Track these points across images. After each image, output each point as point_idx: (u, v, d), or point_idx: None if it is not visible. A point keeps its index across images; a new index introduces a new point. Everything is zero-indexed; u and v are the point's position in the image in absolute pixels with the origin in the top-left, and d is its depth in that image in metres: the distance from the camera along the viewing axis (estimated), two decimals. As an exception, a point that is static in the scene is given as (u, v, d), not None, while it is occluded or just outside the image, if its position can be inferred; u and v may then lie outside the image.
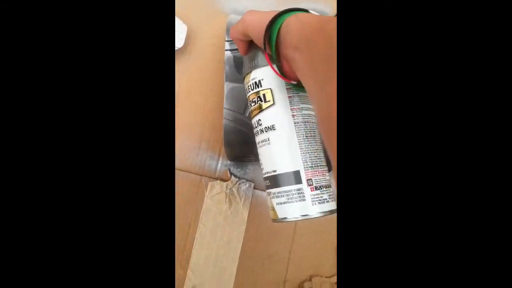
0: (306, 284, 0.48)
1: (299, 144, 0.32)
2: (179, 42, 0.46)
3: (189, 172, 0.47)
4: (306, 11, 0.29)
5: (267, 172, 0.34)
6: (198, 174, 0.47)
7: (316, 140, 0.33)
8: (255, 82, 0.34)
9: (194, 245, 0.46)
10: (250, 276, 0.47)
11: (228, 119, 0.42)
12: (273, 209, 0.33)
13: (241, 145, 0.44)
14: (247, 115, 0.42)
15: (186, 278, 0.45)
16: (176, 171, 0.47)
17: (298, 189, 0.31)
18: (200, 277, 0.45)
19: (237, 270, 0.46)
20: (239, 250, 0.46)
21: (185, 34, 0.46)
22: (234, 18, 0.44)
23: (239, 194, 0.47)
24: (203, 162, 0.48)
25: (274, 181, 0.33)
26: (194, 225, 0.46)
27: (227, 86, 0.42)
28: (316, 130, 0.34)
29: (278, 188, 0.32)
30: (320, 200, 0.32)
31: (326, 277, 0.49)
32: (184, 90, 0.48)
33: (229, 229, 0.46)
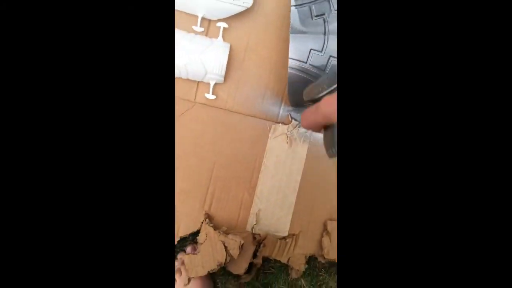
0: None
1: None
2: (248, 2, 0.52)
3: (255, 117, 0.55)
4: None
5: None
6: (263, 119, 0.55)
7: None
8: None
9: (259, 177, 0.54)
10: (308, 205, 0.54)
11: (292, 68, 0.49)
12: None
13: (303, 91, 0.50)
14: (309, 63, 0.48)
15: (253, 203, 0.54)
16: (244, 117, 0.55)
17: None
18: (265, 202, 0.54)
19: (296, 198, 0.54)
20: (299, 182, 0.54)
21: (254, -6, 0.52)
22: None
23: (298, 135, 0.54)
24: (267, 109, 0.55)
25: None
26: (260, 161, 0.54)
27: (292, 37, 0.48)
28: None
29: None
30: None
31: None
32: (252, 45, 0.55)
33: (290, 163, 0.54)
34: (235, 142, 0.55)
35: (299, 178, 0.54)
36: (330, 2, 0.48)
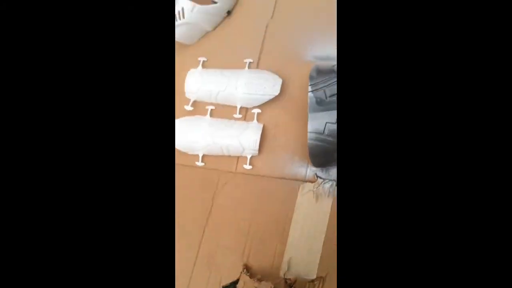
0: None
1: None
2: (276, 90, 0.68)
3: (285, 179, 0.67)
4: None
5: None
6: (292, 179, 0.67)
7: None
8: None
9: (290, 228, 0.64)
10: (332, 254, 0.63)
11: (311, 139, 0.61)
12: None
13: (323, 156, 0.62)
14: (326, 133, 0.60)
15: (285, 252, 0.63)
16: (276, 180, 0.67)
17: None
18: (295, 250, 0.63)
19: (322, 246, 0.62)
20: (324, 232, 0.63)
21: (280, 85, 0.68)
22: (315, 66, 0.64)
23: (323, 191, 0.65)
24: (295, 171, 0.67)
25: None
26: (290, 215, 0.65)
27: (310, 116, 0.62)
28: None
29: None
30: None
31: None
32: (280, 123, 0.70)
33: (316, 216, 0.64)
34: (269, 201, 0.66)
35: (324, 229, 0.63)
36: (339, 86, 0.61)
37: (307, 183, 0.66)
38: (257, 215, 0.65)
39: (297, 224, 0.64)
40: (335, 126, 0.60)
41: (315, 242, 0.63)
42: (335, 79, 0.62)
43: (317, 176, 0.66)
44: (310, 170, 0.67)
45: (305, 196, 0.65)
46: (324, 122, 0.61)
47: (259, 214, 0.65)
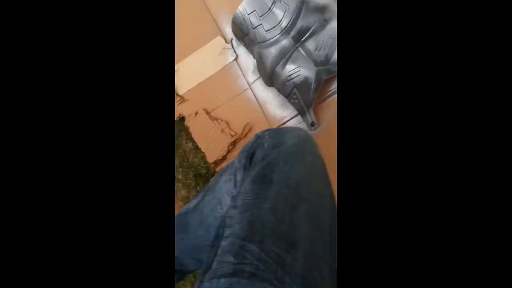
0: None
1: None
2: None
3: (215, 21, 0.82)
4: None
5: None
6: (219, 29, 0.82)
7: None
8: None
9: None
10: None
11: (239, 10, 0.73)
12: None
13: (240, 29, 0.75)
14: (249, 17, 0.72)
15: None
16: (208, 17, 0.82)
17: None
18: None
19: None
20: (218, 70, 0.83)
21: None
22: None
23: (227, 53, 0.82)
24: (223, 23, 0.82)
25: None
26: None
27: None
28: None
29: None
30: None
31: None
32: None
33: (214, 63, 0.83)
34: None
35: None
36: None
37: (222, 38, 0.81)
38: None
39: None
40: (257, 18, 0.71)
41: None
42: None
43: (231, 43, 0.81)
44: (231, 33, 0.81)
45: (213, 45, 0.82)
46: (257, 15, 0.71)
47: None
